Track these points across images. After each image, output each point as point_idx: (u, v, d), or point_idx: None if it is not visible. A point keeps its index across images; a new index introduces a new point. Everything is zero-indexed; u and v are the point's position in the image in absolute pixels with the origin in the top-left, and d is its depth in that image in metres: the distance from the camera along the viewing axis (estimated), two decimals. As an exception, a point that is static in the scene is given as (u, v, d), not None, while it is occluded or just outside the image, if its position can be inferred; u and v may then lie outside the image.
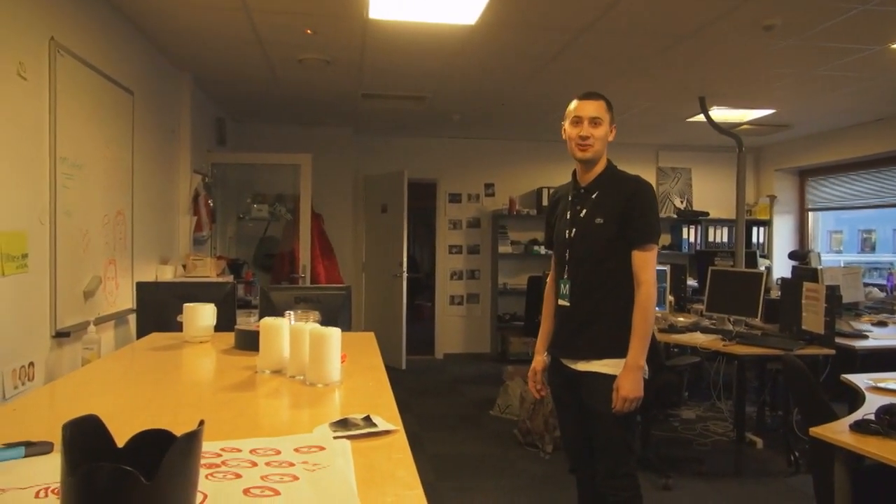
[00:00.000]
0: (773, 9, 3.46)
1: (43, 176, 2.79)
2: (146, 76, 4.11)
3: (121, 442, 0.82)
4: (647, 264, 2.30)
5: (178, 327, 2.71)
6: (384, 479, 1.11)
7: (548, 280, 2.65)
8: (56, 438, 1.17)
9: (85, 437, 0.75)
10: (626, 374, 2.25)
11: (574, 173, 2.49)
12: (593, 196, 2.37)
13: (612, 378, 2.28)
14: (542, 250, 7.57)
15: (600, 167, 2.40)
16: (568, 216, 2.44)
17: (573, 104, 2.37)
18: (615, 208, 2.31)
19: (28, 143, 2.68)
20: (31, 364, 2.70)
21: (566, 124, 2.40)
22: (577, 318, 2.38)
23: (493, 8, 3.47)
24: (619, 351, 2.29)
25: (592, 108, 2.33)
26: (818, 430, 2.22)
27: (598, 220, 2.32)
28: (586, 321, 2.37)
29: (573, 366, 2.39)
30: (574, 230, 2.40)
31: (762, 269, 6.48)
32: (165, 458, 0.71)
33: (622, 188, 2.35)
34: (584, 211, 2.37)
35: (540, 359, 2.59)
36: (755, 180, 8.28)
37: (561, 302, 2.43)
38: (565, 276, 2.42)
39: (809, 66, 4.50)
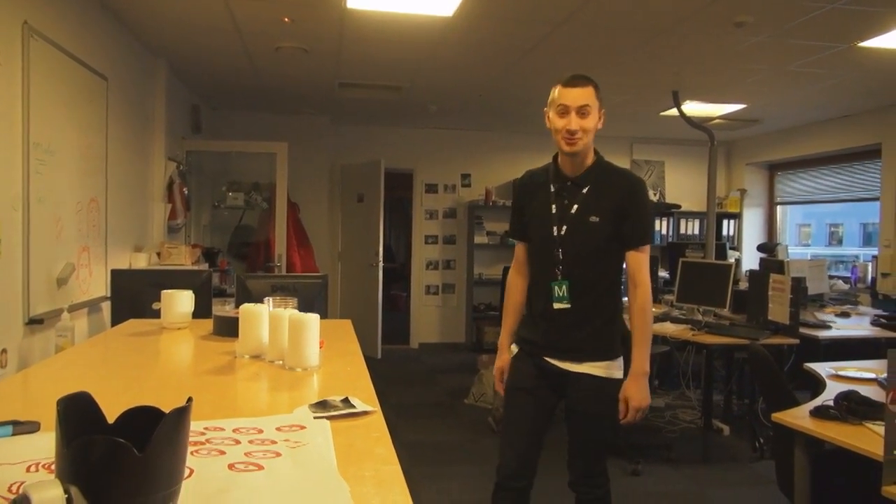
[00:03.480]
0: (745, 6, 3.54)
1: (16, 162, 2.77)
2: (120, 62, 4.07)
3: (110, 419, 0.85)
4: (643, 265, 2.20)
5: (153, 315, 2.71)
6: (363, 455, 1.15)
7: (511, 273, 2.47)
8: (42, 419, 1.19)
9: (78, 413, 0.77)
10: (634, 382, 2.16)
11: (555, 160, 2.27)
12: (584, 191, 2.19)
13: (603, 380, 2.20)
14: (518, 241, 7.62)
15: (589, 159, 2.22)
16: (553, 210, 2.22)
17: (557, 91, 2.14)
18: (610, 206, 2.16)
19: (0, 128, 2.66)
20: (4, 351, 2.69)
21: (551, 113, 2.17)
22: (571, 318, 2.22)
23: (470, 0, 3.50)
24: (612, 353, 2.23)
25: (580, 95, 2.10)
26: (780, 416, 2.30)
27: (593, 219, 2.16)
28: (580, 322, 2.22)
29: (561, 365, 2.24)
30: (564, 227, 2.20)
31: (731, 260, 6.62)
32: (157, 430, 0.74)
33: (616, 184, 2.19)
34: (576, 207, 2.18)
35: (507, 357, 2.40)
36: (726, 174, 8.43)
37: (557, 305, 2.21)
38: (559, 277, 2.21)
39: (779, 62, 4.61)
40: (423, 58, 4.75)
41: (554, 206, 2.23)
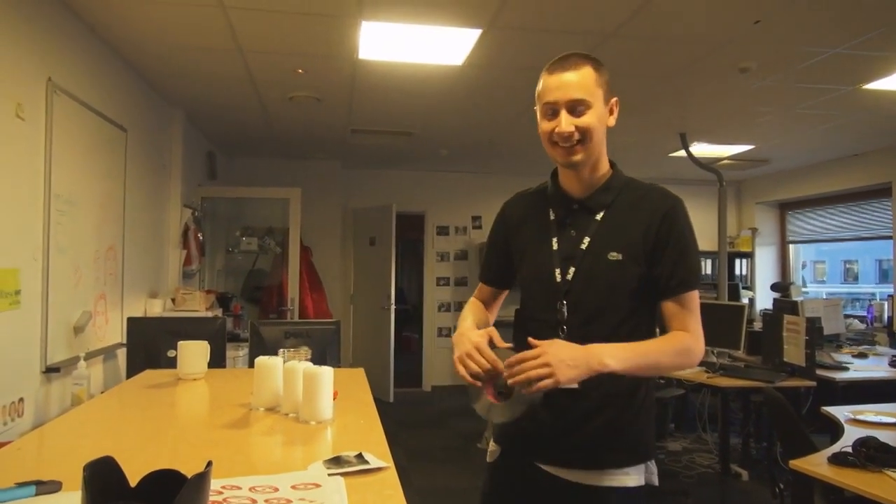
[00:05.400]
0: (748, 53, 3.60)
1: (37, 213, 2.84)
2: (139, 113, 4.18)
3: (131, 480, 0.87)
4: (692, 319, 1.52)
5: (168, 362, 2.74)
6: (377, 514, 1.16)
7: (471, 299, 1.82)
8: (63, 477, 1.21)
9: (102, 477, 0.80)
10: (581, 348, 1.39)
11: (554, 177, 1.65)
12: (598, 216, 1.56)
13: (639, 493, 1.52)
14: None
15: (603, 171, 1.59)
16: (554, 244, 1.58)
17: (542, 81, 1.54)
18: (638, 238, 1.52)
19: (24, 181, 2.73)
20: (21, 400, 2.71)
21: (538, 112, 1.55)
22: (582, 404, 1.50)
23: (479, 50, 3.59)
24: (647, 451, 1.55)
25: (572, 84, 1.48)
26: (797, 463, 2.28)
27: (614, 256, 1.51)
28: (597, 408, 1.51)
29: (569, 476, 1.52)
30: (573, 269, 1.54)
31: (745, 301, 6.59)
32: (179, 496, 0.76)
33: (645, 206, 1.55)
34: (587, 240, 1.54)
35: (480, 334, 1.53)
36: (737, 213, 8.44)
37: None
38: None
39: (785, 105, 4.66)
40: (433, 104, 4.84)
41: (556, 240, 1.59)
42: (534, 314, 1.62)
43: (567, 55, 1.53)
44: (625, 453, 1.51)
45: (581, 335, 1.48)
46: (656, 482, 1.55)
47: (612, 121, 1.55)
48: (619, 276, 1.50)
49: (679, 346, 1.49)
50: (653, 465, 1.56)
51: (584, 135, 1.48)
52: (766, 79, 4.03)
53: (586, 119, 1.48)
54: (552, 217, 1.61)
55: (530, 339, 1.41)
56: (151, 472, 0.86)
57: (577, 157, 1.51)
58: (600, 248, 1.52)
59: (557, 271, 1.55)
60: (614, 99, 1.56)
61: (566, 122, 1.47)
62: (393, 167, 7.73)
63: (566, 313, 1.54)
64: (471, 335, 1.52)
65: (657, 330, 1.59)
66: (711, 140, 5.89)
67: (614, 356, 1.39)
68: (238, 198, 6.44)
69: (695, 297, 1.53)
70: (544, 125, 1.53)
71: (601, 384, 1.43)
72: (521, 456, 1.59)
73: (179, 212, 5.00)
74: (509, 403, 1.38)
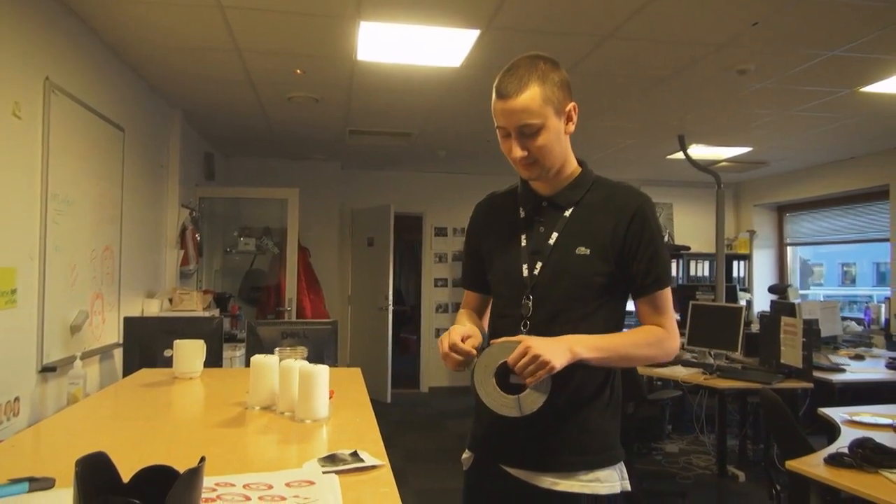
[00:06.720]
0: (746, 55, 3.61)
1: (34, 212, 2.83)
2: (137, 113, 4.18)
3: (124, 476, 0.87)
4: (667, 313, 1.54)
5: (165, 362, 2.73)
6: (372, 512, 1.16)
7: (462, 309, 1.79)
8: (57, 474, 1.21)
9: (95, 473, 0.79)
10: (555, 341, 1.39)
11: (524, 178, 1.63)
12: (567, 213, 1.56)
13: (612, 500, 1.49)
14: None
15: (570, 170, 1.59)
16: (523, 241, 1.58)
17: (493, 100, 1.51)
18: (605, 234, 1.51)
19: (21, 180, 2.73)
20: (17, 399, 2.71)
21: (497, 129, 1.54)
22: (547, 407, 1.41)
23: (477, 51, 3.59)
24: (614, 453, 1.53)
25: (516, 110, 1.45)
26: (794, 464, 2.29)
27: (582, 250, 1.50)
28: (564, 409, 1.48)
29: (539, 483, 1.49)
30: (539, 264, 1.53)
31: (742, 302, 6.60)
32: (171, 492, 0.76)
33: (614, 203, 1.54)
34: (555, 235, 1.54)
35: (468, 329, 1.49)
36: (735, 215, 8.45)
37: (514, 381, 1.39)
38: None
39: (783, 106, 4.67)
40: (431, 106, 4.85)
41: (524, 237, 1.58)
42: (501, 311, 1.62)
43: (513, 67, 1.49)
44: (593, 455, 1.50)
45: (544, 331, 1.47)
46: (629, 487, 1.53)
47: (570, 127, 1.53)
48: (586, 270, 1.50)
49: (650, 338, 1.51)
50: (624, 470, 1.54)
51: (538, 155, 1.49)
52: (764, 81, 4.04)
53: (538, 141, 1.47)
54: (522, 215, 1.62)
55: (492, 341, 1.43)
56: (144, 467, 0.86)
57: (535, 174, 1.54)
58: (568, 243, 1.53)
59: (525, 266, 1.55)
60: (571, 105, 1.51)
61: (517, 148, 1.49)
62: (391, 168, 7.73)
63: (531, 308, 1.52)
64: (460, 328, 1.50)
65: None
66: (709, 142, 5.90)
67: (584, 345, 1.41)
68: (236, 198, 6.44)
69: (668, 294, 1.54)
70: (502, 144, 1.54)
71: (567, 385, 1.44)
72: (492, 461, 1.57)
73: (177, 212, 5.00)
74: (533, 389, 1.36)
